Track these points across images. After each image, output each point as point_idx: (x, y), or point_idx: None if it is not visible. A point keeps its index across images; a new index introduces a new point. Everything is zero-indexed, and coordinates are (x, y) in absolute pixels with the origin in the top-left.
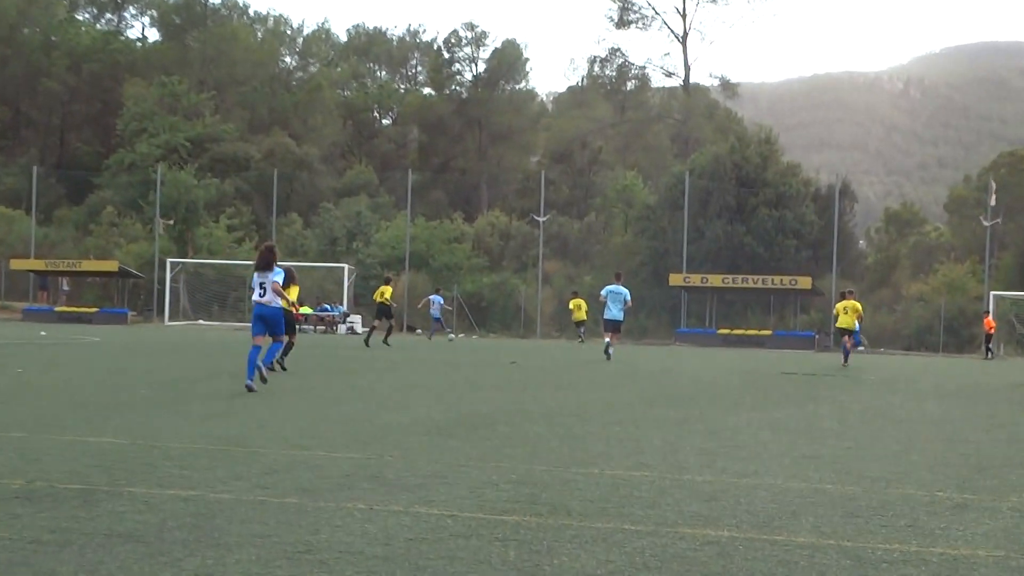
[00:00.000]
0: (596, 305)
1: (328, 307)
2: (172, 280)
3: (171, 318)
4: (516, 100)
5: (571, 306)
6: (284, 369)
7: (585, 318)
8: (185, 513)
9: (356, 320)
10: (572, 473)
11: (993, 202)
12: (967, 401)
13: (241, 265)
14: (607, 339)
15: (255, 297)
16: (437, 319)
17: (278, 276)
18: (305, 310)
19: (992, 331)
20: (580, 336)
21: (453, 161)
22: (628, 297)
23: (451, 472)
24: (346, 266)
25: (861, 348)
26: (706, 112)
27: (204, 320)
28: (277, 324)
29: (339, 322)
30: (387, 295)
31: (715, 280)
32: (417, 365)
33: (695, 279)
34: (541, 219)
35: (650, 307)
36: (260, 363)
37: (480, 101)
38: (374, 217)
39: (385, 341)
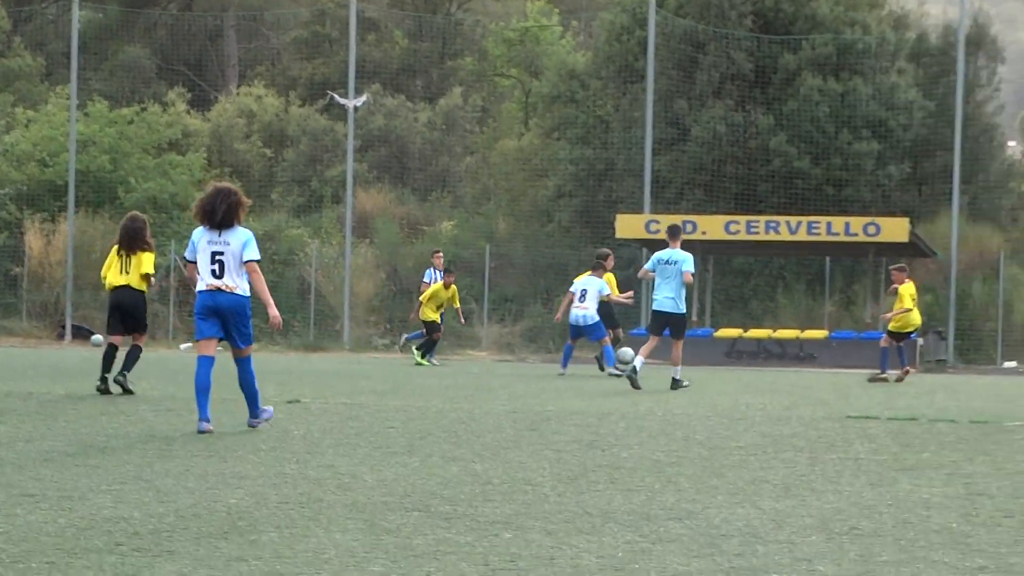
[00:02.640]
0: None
1: None
2: None
3: None
4: None
5: (426, 296)
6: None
7: (437, 319)
8: None
9: None
10: None
11: None
12: None
13: None
14: (639, 351)
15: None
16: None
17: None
18: None
19: None
20: (418, 352)
21: None
22: (689, 266)
23: None
24: None
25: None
26: None
27: None
28: None
29: None
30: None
31: (712, 227)
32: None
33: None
34: (351, 102)
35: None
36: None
37: None
38: None
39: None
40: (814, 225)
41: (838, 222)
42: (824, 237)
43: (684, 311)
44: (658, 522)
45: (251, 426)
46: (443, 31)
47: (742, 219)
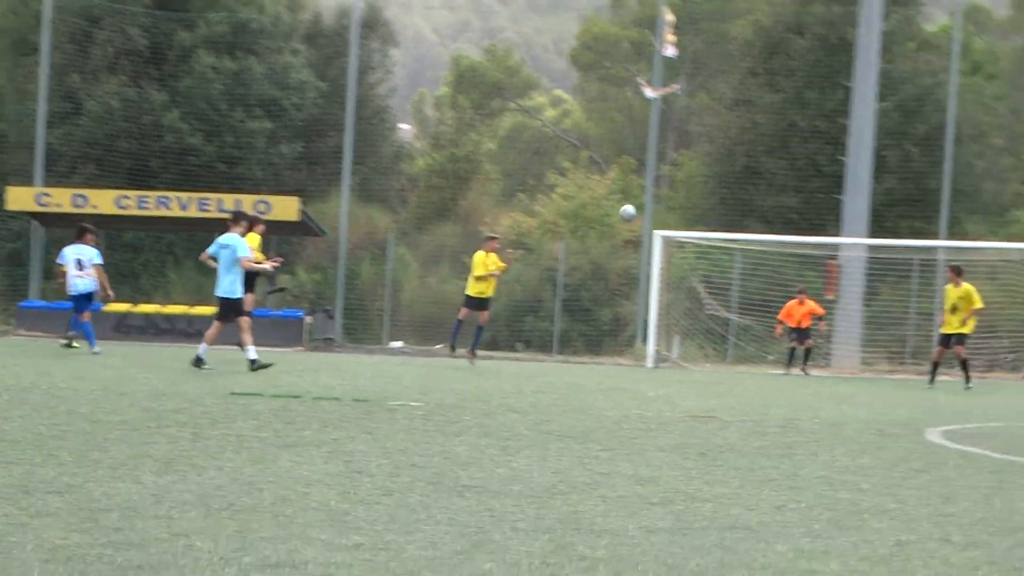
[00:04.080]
0: None
1: None
2: None
3: None
4: None
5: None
6: None
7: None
8: None
9: None
10: None
11: (671, 50)
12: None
13: None
14: (205, 336)
15: None
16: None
17: None
18: None
19: (803, 325)
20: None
21: None
22: (243, 252)
23: None
24: None
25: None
26: None
27: None
28: None
29: None
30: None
31: (104, 201)
32: None
33: (62, 198)
34: None
35: None
36: None
37: None
38: None
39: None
40: (204, 202)
41: (229, 199)
42: (215, 214)
43: (239, 296)
44: (37, 495)
45: None
46: None
47: (133, 194)
